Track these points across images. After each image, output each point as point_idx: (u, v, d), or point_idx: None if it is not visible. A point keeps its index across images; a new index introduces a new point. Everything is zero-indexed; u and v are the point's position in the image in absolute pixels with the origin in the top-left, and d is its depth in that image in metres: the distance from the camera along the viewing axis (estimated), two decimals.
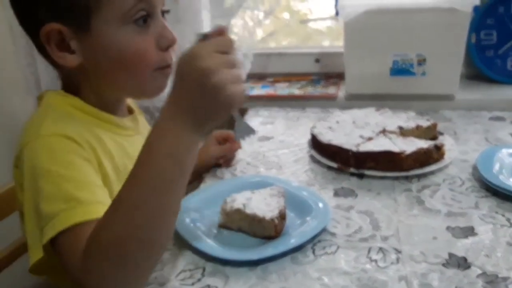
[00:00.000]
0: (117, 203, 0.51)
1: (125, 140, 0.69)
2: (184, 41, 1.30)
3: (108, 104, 0.68)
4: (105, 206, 0.52)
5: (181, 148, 0.51)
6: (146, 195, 0.50)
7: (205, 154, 0.89)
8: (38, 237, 0.55)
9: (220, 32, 0.54)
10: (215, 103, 0.51)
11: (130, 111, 0.75)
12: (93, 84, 0.65)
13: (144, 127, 0.77)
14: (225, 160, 0.91)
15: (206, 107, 0.51)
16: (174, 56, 0.66)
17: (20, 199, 0.62)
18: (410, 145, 0.82)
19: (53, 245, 0.53)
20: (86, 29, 0.60)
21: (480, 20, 1.19)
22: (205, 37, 0.54)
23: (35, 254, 0.55)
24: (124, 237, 0.49)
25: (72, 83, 0.66)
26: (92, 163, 0.60)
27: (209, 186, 0.83)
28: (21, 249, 0.87)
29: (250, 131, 0.70)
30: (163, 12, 0.66)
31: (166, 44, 0.64)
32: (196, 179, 0.92)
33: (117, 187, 0.60)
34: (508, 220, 0.68)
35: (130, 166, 0.57)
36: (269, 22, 1.65)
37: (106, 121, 0.67)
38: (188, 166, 0.52)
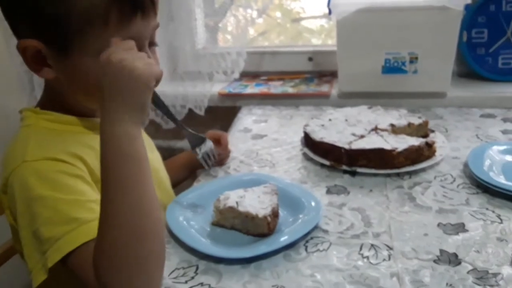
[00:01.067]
0: (102, 210, 0.53)
1: None
2: (177, 39, 1.30)
3: (91, 108, 0.68)
4: None
5: (123, 142, 0.54)
6: (116, 195, 0.53)
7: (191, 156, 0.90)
8: (39, 260, 0.56)
9: None
10: (123, 79, 0.53)
11: None
12: (70, 94, 0.66)
13: None
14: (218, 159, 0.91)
15: (117, 86, 0.54)
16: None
17: (11, 223, 0.63)
18: (401, 143, 0.82)
19: (64, 265, 0.55)
20: (66, 53, 0.60)
21: (472, 18, 1.20)
22: None
23: (38, 277, 0.56)
24: (119, 237, 0.52)
25: (53, 90, 0.67)
26: (83, 177, 0.60)
27: (203, 184, 0.83)
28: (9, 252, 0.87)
29: (201, 140, 0.75)
30: (152, 44, 0.66)
31: None
32: (190, 176, 0.93)
33: None
34: (498, 216, 0.68)
35: None
36: (261, 21, 1.66)
37: (88, 126, 0.67)
38: (138, 154, 0.55)
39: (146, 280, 0.53)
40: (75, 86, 0.63)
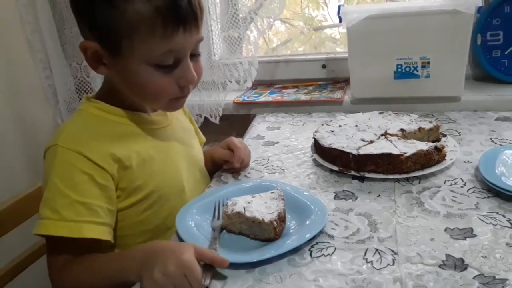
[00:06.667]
0: (89, 269, 0.67)
1: (152, 133, 0.79)
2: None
3: (137, 104, 0.78)
4: (84, 225, 0.66)
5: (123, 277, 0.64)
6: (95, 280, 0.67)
7: (212, 153, 0.96)
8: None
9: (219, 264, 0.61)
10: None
11: None
12: (121, 90, 0.75)
13: (176, 117, 0.87)
14: (230, 167, 0.92)
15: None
16: (192, 88, 0.75)
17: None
18: (410, 147, 0.82)
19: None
20: (117, 55, 0.68)
21: (486, 21, 1.18)
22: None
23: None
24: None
25: (108, 85, 0.76)
26: (94, 177, 0.69)
27: (213, 190, 0.85)
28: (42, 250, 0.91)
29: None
30: (194, 55, 0.73)
31: (185, 84, 0.72)
32: (212, 176, 0.94)
33: (139, 174, 0.74)
34: (508, 220, 0.67)
35: (155, 155, 0.77)
36: (284, 29, 1.68)
37: (132, 118, 0.77)
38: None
39: None
40: (124, 83, 0.73)
